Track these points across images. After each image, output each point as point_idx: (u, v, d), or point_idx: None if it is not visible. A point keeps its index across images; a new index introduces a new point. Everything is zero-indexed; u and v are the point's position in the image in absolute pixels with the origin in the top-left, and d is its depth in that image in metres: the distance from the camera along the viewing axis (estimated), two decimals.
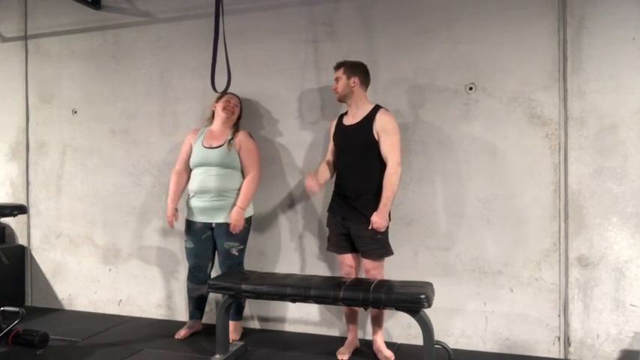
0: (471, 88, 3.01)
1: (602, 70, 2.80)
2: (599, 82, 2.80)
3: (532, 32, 2.90)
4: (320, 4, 3.29)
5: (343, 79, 2.88)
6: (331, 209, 2.97)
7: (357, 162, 2.84)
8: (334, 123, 3.04)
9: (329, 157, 3.05)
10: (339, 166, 2.96)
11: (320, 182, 2.97)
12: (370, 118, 2.82)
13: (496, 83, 2.96)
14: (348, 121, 2.93)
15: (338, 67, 2.92)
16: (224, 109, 3.16)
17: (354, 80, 2.87)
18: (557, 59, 2.86)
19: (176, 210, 3.23)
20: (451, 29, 3.04)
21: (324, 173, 3.01)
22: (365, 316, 3.13)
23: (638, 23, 2.75)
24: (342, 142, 2.94)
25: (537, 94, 2.90)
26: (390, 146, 2.76)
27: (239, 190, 3.11)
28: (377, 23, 3.18)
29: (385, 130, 2.78)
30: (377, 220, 2.70)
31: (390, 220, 2.85)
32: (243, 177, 3.15)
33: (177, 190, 3.25)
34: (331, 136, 3.04)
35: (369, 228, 2.72)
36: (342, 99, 2.93)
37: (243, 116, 3.35)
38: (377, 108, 2.86)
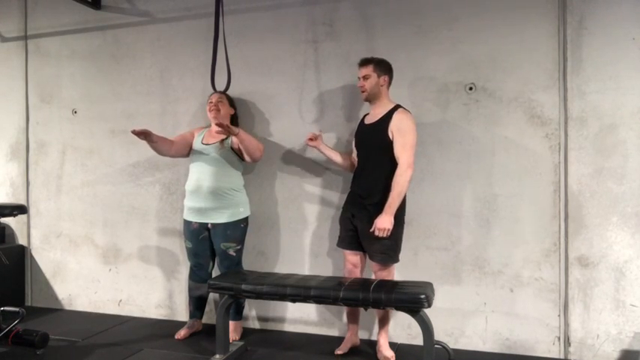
0: (471, 88, 3.01)
1: (602, 70, 2.80)
2: (599, 82, 2.80)
3: (532, 32, 2.90)
4: (320, 4, 3.29)
5: (373, 77, 2.77)
6: (344, 205, 2.97)
7: (371, 161, 2.82)
8: (359, 122, 3.02)
9: (353, 154, 3.04)
10: (357, 164, 2.95)
11: (321, 144, 3.02)
12: (388, 117, 2.76)
13: (496, 83, 2.96)
14: (368, 119, 2.91)
15: (366, 63, 2.79)
16: (209, 110, 3.17)
17: (384, 79, 2.80)
18: (557, 59, 2.86)
19: (150, 133, 2.94)
20: (451, 29, 3.04)
21: (337, 155, 3.05)
22: (372, 317, 3.13)
23: (638, 23, 2.75)
24: (360, 141, 2.93)
25: (537, 94, 2.89)
26: (402, 146, 2.68)
27: (235, 189, 3.11)
28: (377, 23, 3.18)
29: (399, 129, 2.70)
30: (379, 221, 2.64)
31: (403, 224, 2.83)
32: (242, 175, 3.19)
33: (162, 137, 3.08)
34: (354, 134, 3.02)
35: (370, 230, 2.68)
36: (370, 98, 2.83)
37: (242, 115, 3.35)
38: (397, 107, 2.79)
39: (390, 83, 2.87)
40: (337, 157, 3.07)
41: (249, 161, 3.12)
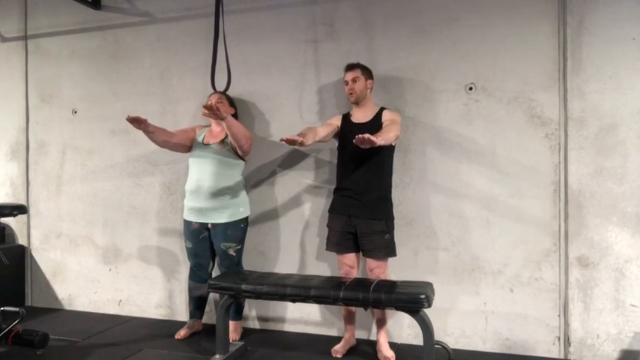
0: (471, 88, 3.01)
1: (602, 70, 2.80)
2: (599, 82, 2.80)
3: (532, 32, 2.90)
4: (320, 4, 3.29)
5: (362, 80, 2.90)
6: (335, 208, 2.96)
7: (367, 158, 2.82)
8: (339, 117, 3.04)
9: (319, 129, 2.90)
10: (344, 163, 2.95)
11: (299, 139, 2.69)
12: (379, 115, 2.92)
13: (496, 83, 2.96)
14: (357, 119, 2.95)
15: (354, 67, 2.92)
16: None
17: (370, 82, 2.95)
18: (557, 59, 2.86)
19: (144, 121, 2.89)
20: (451, 29, 3.04)
21: (308, 138, 2.79)
22: (370, 316, 3.13)
23: (638, 23, 2.75)
24: (351, 139, 2.81)
25: (537, 94, 2.90)
26: (392, 123, 2.79)
27: (235, 189, 3.11)
28: (377, 23, 3.18)
29: (391, 119, 2.86)
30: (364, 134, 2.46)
31: (393, 218, 2.91)
32: (242, 177, 3.19)
33: (160, 128, 3.09)
34: (333, 123, 3.00)
35: (354, 140, 2.49)
36: (359, 100, 2.92)
37: (242, 115, 3.35)
38: (384, 108, 2.97)
39: (372, 89, 2.98)
40: (309, 140, 2.82)
41: (240, 154, 3.11)
